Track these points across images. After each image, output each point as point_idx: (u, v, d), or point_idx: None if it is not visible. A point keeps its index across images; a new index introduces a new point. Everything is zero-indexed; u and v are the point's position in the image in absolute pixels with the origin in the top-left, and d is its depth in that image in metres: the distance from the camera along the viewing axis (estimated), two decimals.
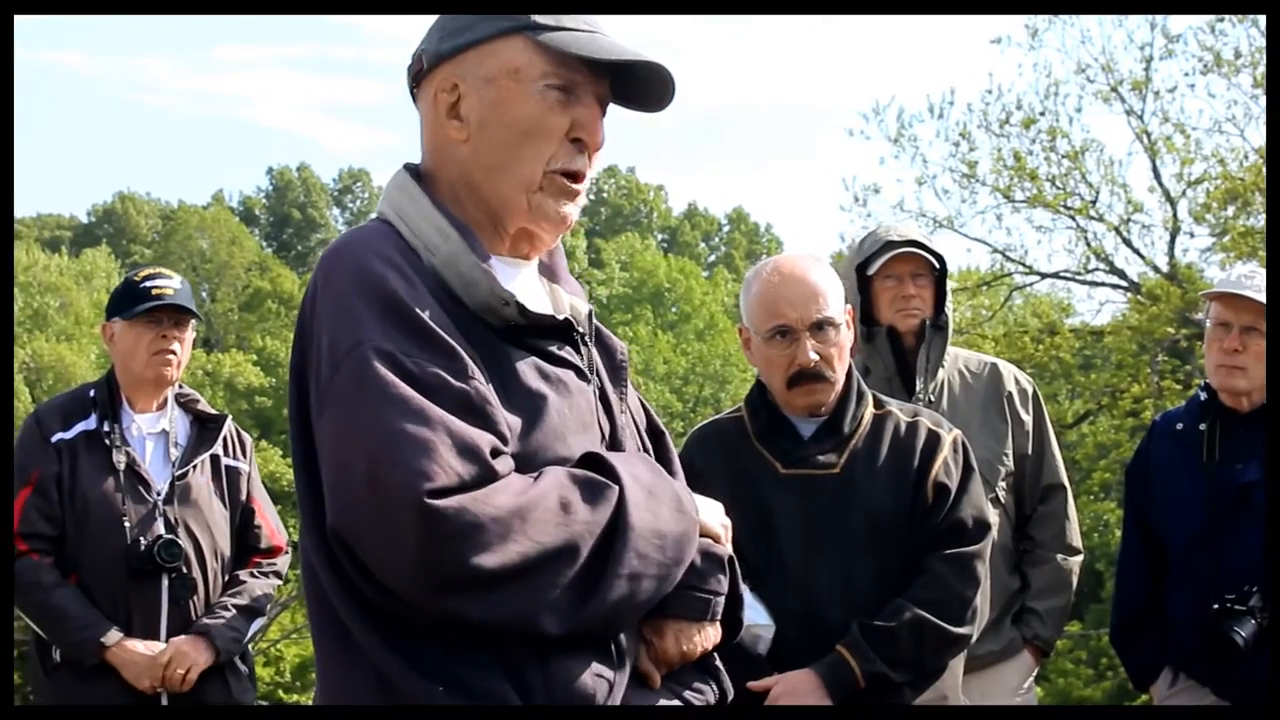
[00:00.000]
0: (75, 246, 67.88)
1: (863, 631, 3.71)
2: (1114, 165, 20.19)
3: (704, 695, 2.43)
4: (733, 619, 2.48)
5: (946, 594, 3.77)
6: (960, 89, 35.75)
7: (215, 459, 5.09)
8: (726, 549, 2.46)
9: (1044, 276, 20.51)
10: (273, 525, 5.20)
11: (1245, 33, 18.85)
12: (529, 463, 2.22)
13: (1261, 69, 18.02)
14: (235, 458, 5.15)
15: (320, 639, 2.31)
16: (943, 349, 5.02)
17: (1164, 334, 18.86)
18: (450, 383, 2.16)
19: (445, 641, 2.17)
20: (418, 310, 2.21)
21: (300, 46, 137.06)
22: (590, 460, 2.30)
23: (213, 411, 5.19)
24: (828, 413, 3.89)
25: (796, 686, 3.69)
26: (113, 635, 4.78)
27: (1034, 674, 5.14)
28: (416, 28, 2.52)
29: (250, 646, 5.20)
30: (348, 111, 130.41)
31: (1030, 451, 5.09)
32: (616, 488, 2.23)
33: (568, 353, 2.41)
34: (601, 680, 2.26)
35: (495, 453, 2.16)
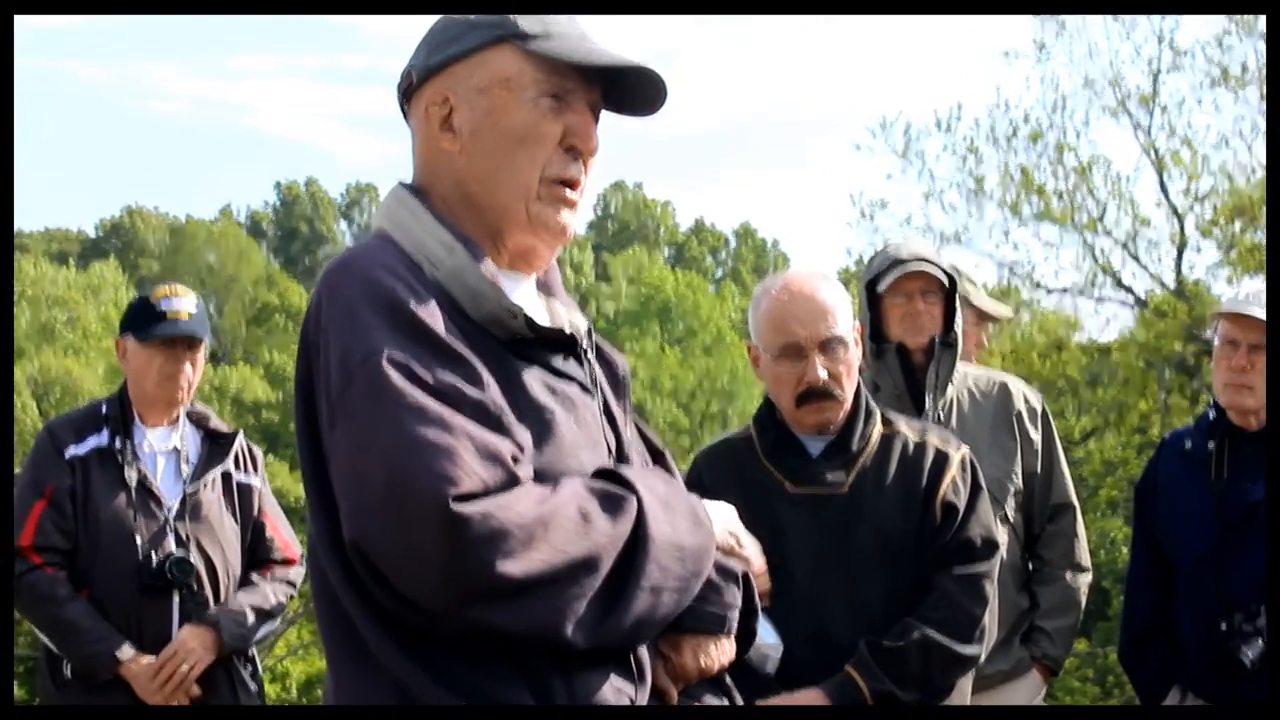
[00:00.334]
0: (83, 260, 68.01)
1: (871, 650, 3.70)
2: (1121, 180, 20.21)
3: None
4: (746, 632, 2.48)
5: (955, 613, 3.76)
6: (967, 103, 35.71)
7: (227, 475, 5.09)
8: (741, 564, 2.46)
9: (1051, 292, 20.50)
10: (285, 538, 5.20)
11: (1253, 47, 18.86)
12: (538, 478, 2.20)
13: None
14: (247, 473, 5.16)
15: (335, 655, 2.30)
16: (952, 366, 5.01)
17: (1171, 350, 18.83)
18: (466, 390, 2.15)
19: (467, 654, 2.16)
20: (428, 320, 2.19)
21: (308, 56, 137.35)
22: (605, 473, 2.29)
23: (224, 428, 5.19)
24: (836, 431, 3.89)
25: (804, 706, 3.68)
26: (126, 650, 4.79)
27: (1043, 693, 5.13)
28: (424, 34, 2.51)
29: (259, 659, 5.21)
30: (357, 121, 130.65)
31: (1039, 470, 5.08)
32: (634, 499, 2.21)
33: (571, 367, 2.40)
34: (622, 695, 2.25)
35: (515, 459, 2.15)
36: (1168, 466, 4.74)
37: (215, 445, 5.13)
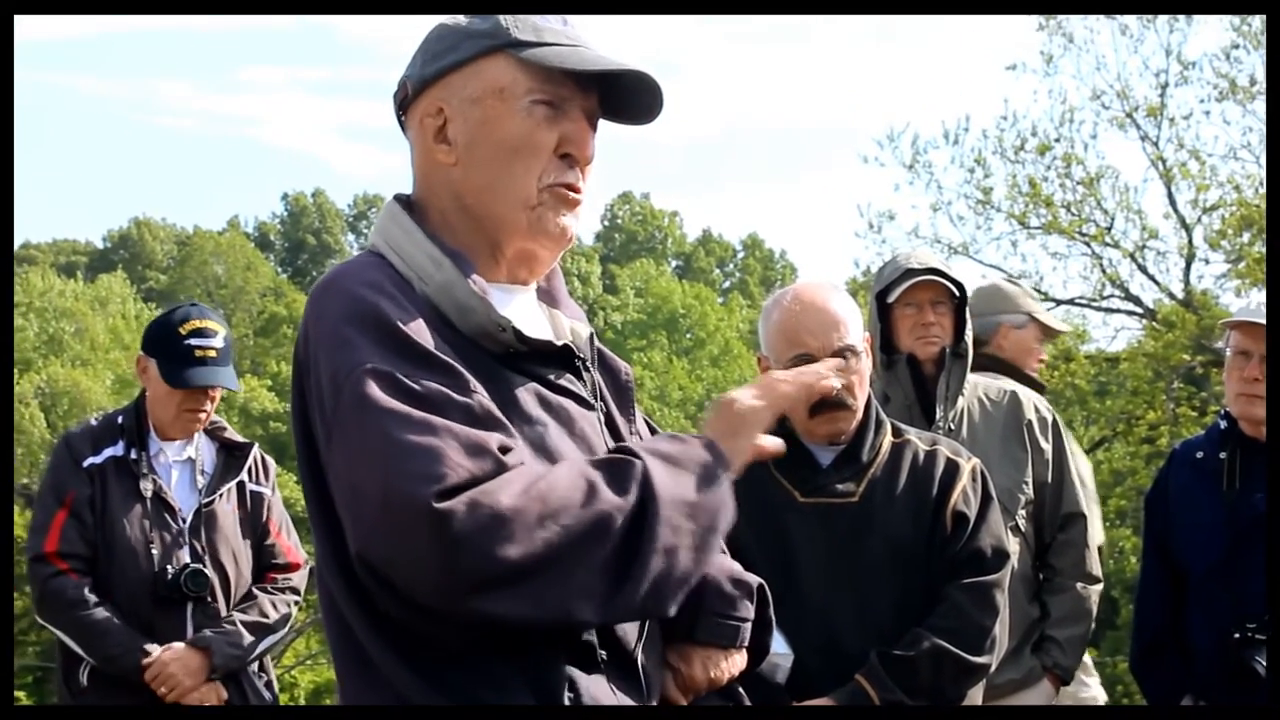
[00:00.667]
0: (91, 272, 68.05)
1: (881, 661, 3.70)
2: (1129, 192, 20.19)
3: None
4: (760, 644, 2.47)
5: (965, 623, 3.76)
6: (975, 115, 35.64)
7: (241, 486, 5.10)
8: (755, 577, 2.45)
9: (1059, 303, 20.48)
10: (289, 543, 5.20)
11: (1261, 59, 18.86)
12: None
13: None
14: (259, 483, 5.17)
15: (342, 668, 2.30)
16: (962, 377, 5.01)
17: (1179, 360, 18.82)
18: (453, 396, 2.14)
19: (471, 665, 2.16)
20: (413, 334, 2.19)
21: (314, 69, 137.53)
22: (612, 449, 2.29)
23: (240, 439, 5.20)
24: (847, 441, 3.89)
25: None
26: (152, 650, 4.82)
27: (1054, 702, 5.13)
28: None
29: (271, 662, 5.21)
30: (364, 133, 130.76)
31: (1050, 480, 5.08)
32: (639, 462, 2.18)
33: (568, 380, 2.38)
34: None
35: (505, 449, 2.13)
36: (1179, 477, 4.75)
37: (231, 457, 5.14)
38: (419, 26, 2.56)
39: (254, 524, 5.12)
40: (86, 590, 4.83)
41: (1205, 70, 19.84)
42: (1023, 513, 5.02)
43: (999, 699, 4.83)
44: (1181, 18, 19.81)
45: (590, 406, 2.40)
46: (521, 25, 2.35)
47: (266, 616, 5.03)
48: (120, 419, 5.05)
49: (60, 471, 4.93)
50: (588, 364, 2.45)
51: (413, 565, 2.07)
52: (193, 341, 5.01)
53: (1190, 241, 20.09)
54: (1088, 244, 20.04)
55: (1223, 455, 4.61)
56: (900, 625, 3.76)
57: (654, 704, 2.30)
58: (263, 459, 5.23)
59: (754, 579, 2.44)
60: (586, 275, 69.70)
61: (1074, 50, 20.57)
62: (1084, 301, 20.96)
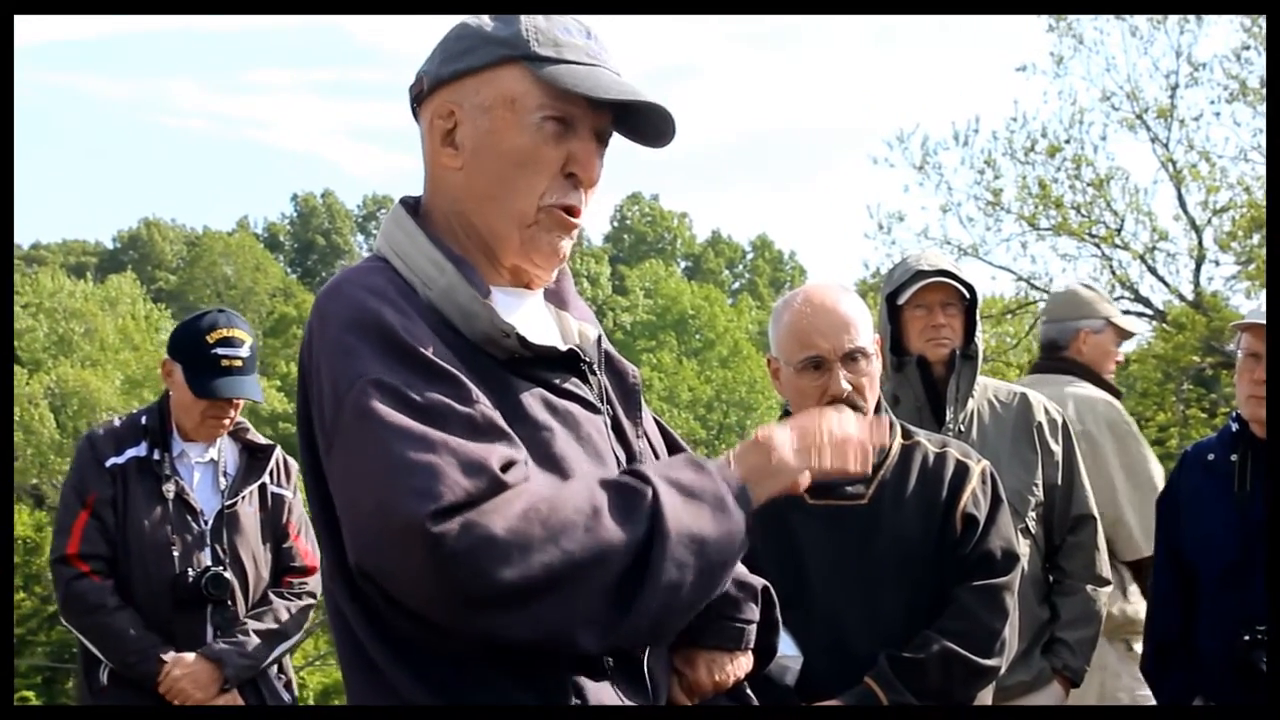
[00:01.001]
0: (100, 272, 68.16)
1: (890, 663, 3.69)
2: (1139, 193, 20.18)
3: None
4: (766, 646, 2.46)
5: (975, 625, 3.75)
6: (985, 116, 35.64)
7: (263, 488, 5.10)
8: (761, 579, 2.44)
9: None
10: (306, 545, 5.20)
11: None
12: None
13: None
14: (280, 485, 5.17)
15: (348, 670, 2.30)
16: (973, 379, 5.01)
17: (1189, 362, 18.81)
18: (455, 407, 2.13)
19: (475, 671, 2.16)
20: (416, 342, 2.18)
21: (323, 70, 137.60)
22: (627, 470, 2.26)
23: (262, 441, 5.20)
24: None
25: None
26: (170, 655, 4.82)
27: (1064, 704, 5.12)
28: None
29: (290, 661, 5.22)
30: (373, 134, 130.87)
31: (1060, 482, 5.08)
32: (649, 490, 2.16)
33: (574, 384, 2.37)
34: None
35: (507, 465, 2.11)
36: (1190, 479, 4.72)
37: (253, 459, 5.14)
38: (426, 26, 2.56)
39: (274, 526, 5.12)
40: (108, 593, 4.84)
41: (1215, 71, 19.82)
42: (1033, 515, 5.01)
43: (1009, 701, 4.83)
44: (1192, 18, 19.79)
45: (596, 410, 2.38)
46: (542, 38, 2.34)
47: (280, 622, 5.04)
48: (144, 419, 5.05)
49: (82, 472, 4.94)
50: (594, 367, 2.44)
51: (408, 582, 2.07)
52: (219, 351, 5.00)
53: (1200, 243, 20.06)
54: (1098, 245, 20.03)
55: (1234, 457, 4.58)
56: (909, 627, 3.75)
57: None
58: (285, 461, 5.22)
59: (759, 581, 2.43)
60: (596, 276, 69.73)
61: (1084, 51, 20.56)
62: None
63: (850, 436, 2.44)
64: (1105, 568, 5.15)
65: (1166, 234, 20.22)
